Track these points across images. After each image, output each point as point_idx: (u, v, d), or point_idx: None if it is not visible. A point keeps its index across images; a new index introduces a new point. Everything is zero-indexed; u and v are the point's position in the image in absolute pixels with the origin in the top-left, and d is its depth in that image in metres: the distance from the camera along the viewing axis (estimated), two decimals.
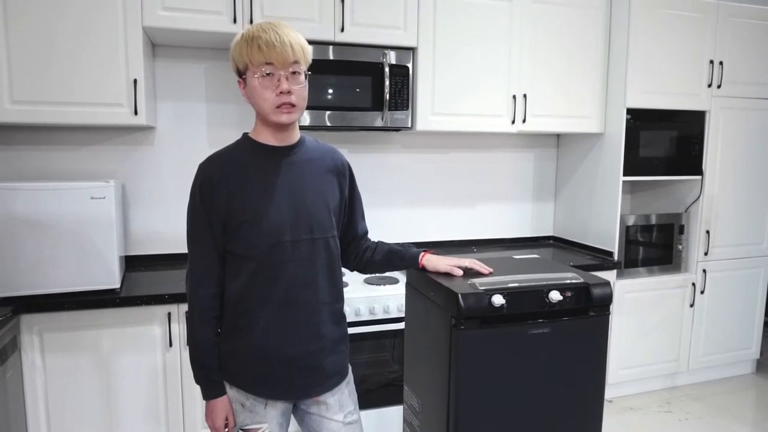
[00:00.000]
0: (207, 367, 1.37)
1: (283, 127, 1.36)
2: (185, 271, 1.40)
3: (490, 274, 1.60)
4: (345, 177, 1.50)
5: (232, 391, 1.39)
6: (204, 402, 1.41)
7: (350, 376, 1.52)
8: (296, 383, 1.40)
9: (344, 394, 1.48)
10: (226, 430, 1.39)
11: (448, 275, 1.60)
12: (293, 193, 1.36)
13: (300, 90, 1.33)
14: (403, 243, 1.59)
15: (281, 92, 1.30)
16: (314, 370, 1.40)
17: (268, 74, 1.30)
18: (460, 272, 1.60)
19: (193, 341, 1.37)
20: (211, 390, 1.38)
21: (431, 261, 1.63)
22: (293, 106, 1.32)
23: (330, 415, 1.45)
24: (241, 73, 1.35)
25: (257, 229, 1.32)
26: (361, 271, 1.63)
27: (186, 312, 2.17)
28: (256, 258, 1.33)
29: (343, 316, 1.49)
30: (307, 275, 1.37)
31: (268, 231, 1.33)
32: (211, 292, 1.36)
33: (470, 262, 1.65)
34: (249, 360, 1.37)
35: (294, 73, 1.32)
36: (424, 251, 1.66)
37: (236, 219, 1.32)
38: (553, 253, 3.10)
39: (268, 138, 1.38)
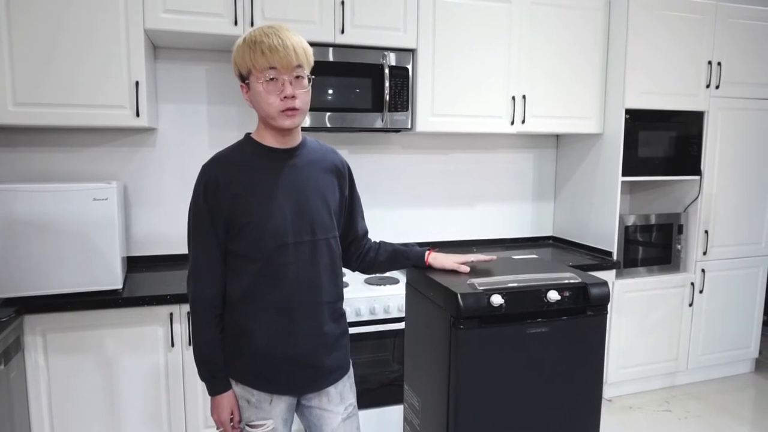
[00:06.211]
0: (212, 365, 1.39)
1: (286, 131, 1.38)
2: (187, 272, 1.41)
3: (493, 264, 1.67)
4: (345, 177, 1.51)
5: (237, 388, 1.41)
6: (205, 399, 1.42)
7: (351, 371, 1.54)
8: (300, 379, 1.42)
9: (346, 387, 1.51)
10: (232, 424, 1.41)
11: (452, 272, 1.62)
12: (296, 195, 1.38)
13: (304, 94, 1.34)
14: (406, 243, 1.59)
15: (285, 97, 1.31)
16: (317, 367, 1.43)
17: (272, 79, 1.30)
18: (467, 269, 1.62)
19: (197, 340, 1.39)
20: (216, 386, 1.40)
21: (437, 259, 1.65)
22: (297, 110, 1.33)
23: (331, 407, 1.47)
24: (244, 78, 1.35)
25: (260, 230, 1.33)
26: (365, 271, 1.64)
27: (188, 312, 2.19)
28: (259, 260, 1.34)
29: (343, 314, 1.51)
30: (310, 276, 1.39)
31: (272, 233, 1.34)
32: (214, 292, 1.37)
33: (474, 256, 1.68)
34: (253, 359, 1.38)
35: (297, 77, 1.32)
36: (429, 250, 1.67)
37: (240, 220, 1.33)
38: (553, 253, 3.12)
39: (271, 141, 1.39)
